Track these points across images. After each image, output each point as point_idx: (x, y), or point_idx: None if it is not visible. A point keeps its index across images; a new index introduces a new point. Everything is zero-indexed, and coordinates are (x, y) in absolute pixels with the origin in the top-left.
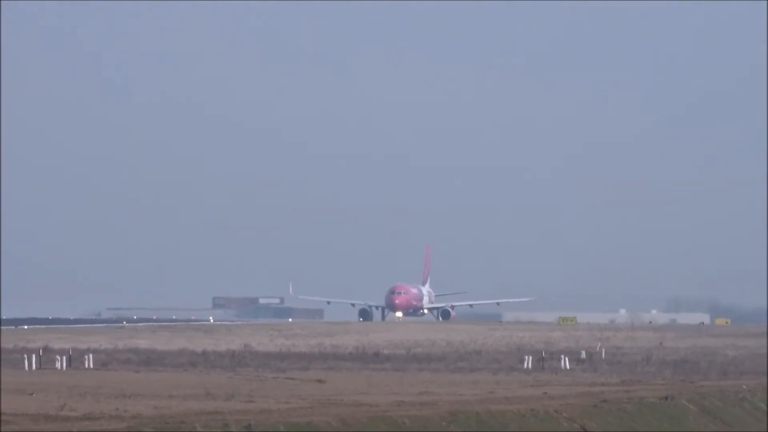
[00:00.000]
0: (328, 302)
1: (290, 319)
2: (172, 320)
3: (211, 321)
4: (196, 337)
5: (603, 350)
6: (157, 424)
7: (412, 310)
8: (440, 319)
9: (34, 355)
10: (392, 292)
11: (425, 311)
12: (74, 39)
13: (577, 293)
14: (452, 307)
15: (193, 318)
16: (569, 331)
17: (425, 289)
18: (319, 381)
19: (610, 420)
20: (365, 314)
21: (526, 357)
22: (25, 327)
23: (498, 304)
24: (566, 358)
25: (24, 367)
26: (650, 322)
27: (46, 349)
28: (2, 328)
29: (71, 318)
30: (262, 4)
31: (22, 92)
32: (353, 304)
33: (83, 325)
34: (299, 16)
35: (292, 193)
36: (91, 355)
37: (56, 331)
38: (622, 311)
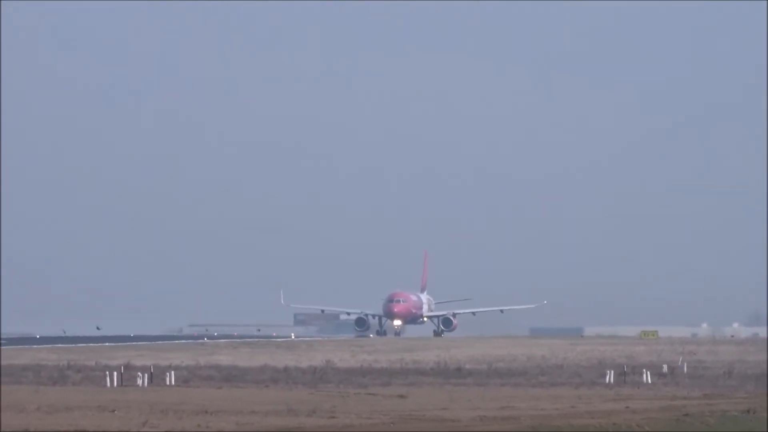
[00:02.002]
0: (323, 311)
1: (371, 335)
2: (253, 336)
3: (293, 337)
4: (277, 353)
5: (685, 364)
6: None
7: (412, 319)
8: (441, 327)
9: (115, 373)
10: (390, 300)
11: (425, 319)
12: (74, 39)
13: (658, 307)
14: (454, 315)
15: (274, 334)
16: (651, 345)
17: (424, 297)
18: (401, 396)
19: None
20: (362, 323)
21: (608, 371)
22: (107, 344)
23: (502, 311)
24: (648, 372)
25: (106, 385)
26: (732, 336)
27: (127, 367)
28: (83, 345)
29: (152, 335)
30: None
31: (22, 92)
32: (349, 313)
33: (164, 342)
34: (299, 17)
35: (281, 197)
36: (172, 372)
37: (137, 348)
38: (704, 325)
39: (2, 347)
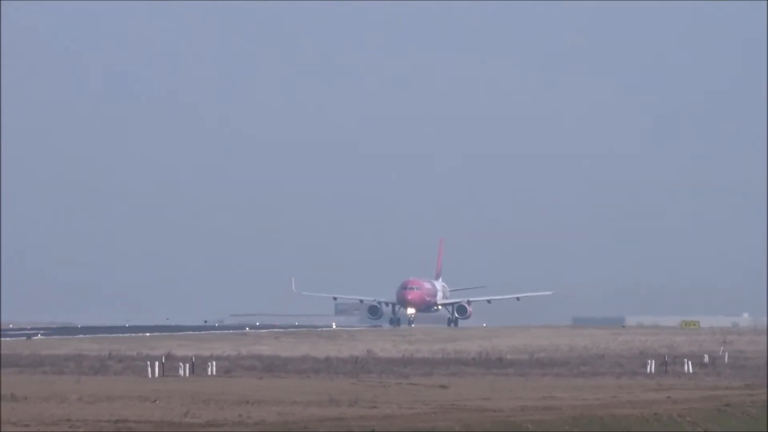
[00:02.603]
0: (335, 299)
1: (413, 325)
2: (295, 326)
3: (334, 327)
4: (319, 343)
5: (726, 354)
6: (281, 430)
7: (426, 307)
8: (456, 315)
9: (157, 363)
10: (404, 287)
11: (439, 307)
12: (75, 39)
13: (699, 296)
14: (469, 302)
15: (316, 324)
16: (692, 335)
17: (439, 284)
18: (443, 386)
19: (734, 424)
20: (374, 311)
21: (649, 361)
22: (148, 334)
23: (518, 299)
24: (689, 362)
25: (147, 375)
26: None
27: (169, 357)
28: (126, 335)
29: (194, 325)
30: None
31: (22, 93)
32: (362, 301)
33: (206, 332)
34: (297, 15)
35: (292, 187)
36: (214, 362)
37: (179, 338)
38: (745, 315)
39: (45, 337)
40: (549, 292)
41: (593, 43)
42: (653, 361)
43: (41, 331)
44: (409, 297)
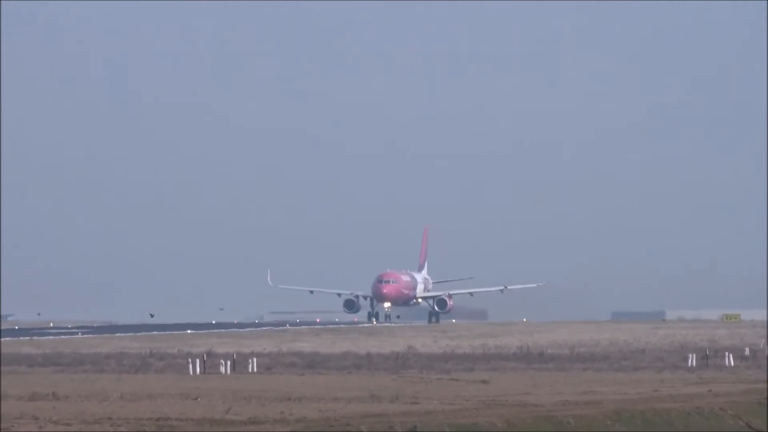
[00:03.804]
0: (311, 292)
1: (453, 320)
2: (335, 323)
3: (374, 323)
4: (359, 339)
5: (767, 347)
6: (322, 427)
7: (404, 301)
8: (436, 308)
9: (198, 360)
10: (379, 280)
11: (419, 301)
12: (74, 39)
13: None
14: (449, 296)
15: (356, 320)
16: (733, 328)
17: (420, 276)
18: (483, 382)
19: None
20: (351, 305)
21: (690, 355)
22: (189, 332)
23: (502, 291)
24: (730, 356)
25: (188, 372)
26: None
27: (209, 354)
28: (166, 333)
29: (234, 322)
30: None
31: (22, 93)
32: (339, 294)
33: (246, 329)
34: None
35: (283, 179)
36: (254, 359)
37: (220, 336)
38: None
39: (85, 336)
40: (534, 284)
41: (593, 42)
42: (694, 355)
43: (82, 330)
44: (385, 291)
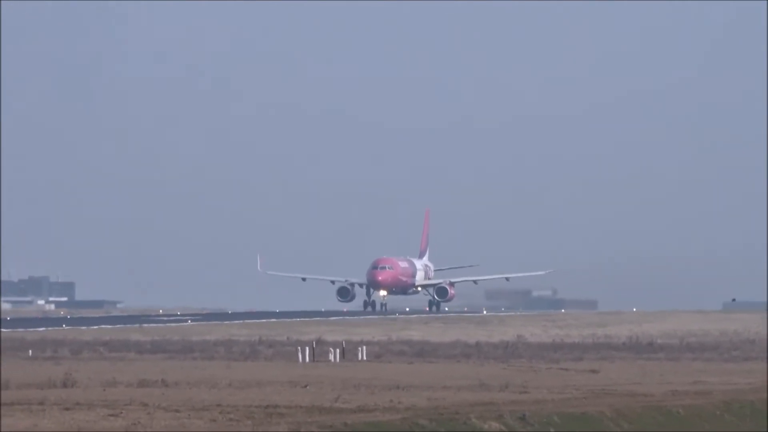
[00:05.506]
0: (303, 279)
1: (563, 310)
2: (444, 312)
3: (484, 312)
4: (469, 328)
5: None
6: (431, 415)
7: (401, 289)
8: (436, 297)
9: (307, 348)
10: (374, 267)
11: (418, 289)
12: (75, 38)
13: None
14: (451, 284)
15: (465, 310)
16: None
17: (420, 263)
18: (593, 371)
19: None
20: (345, 293)
21: None
22: (298, 319)
23: (507, 279)
24: None
25: (297, 360)
26: None
27: (319, 342)
28: (275, 321)
29: (344, 310)
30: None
31: (23, 92)
32: (333, 282)
33: (356, 318)
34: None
35: (272, 159)
36: (364, 347)
37: (329, 324)
38: None
39: (195, 323)
40: (544, 272)
41: (594, 42)
42: None
43: (191, 317)
44: (380, 278)
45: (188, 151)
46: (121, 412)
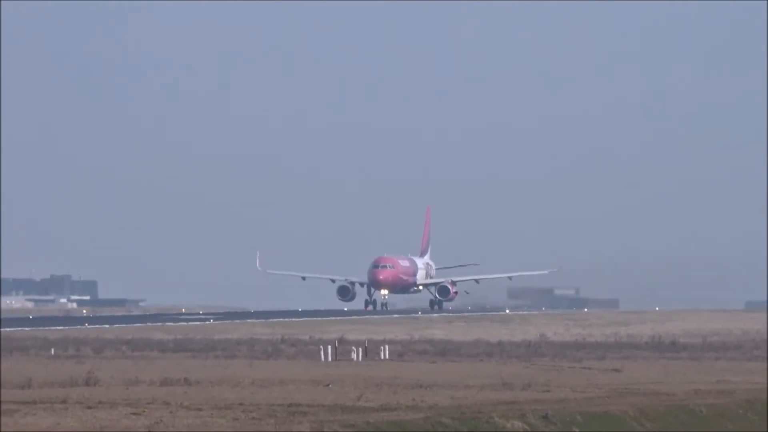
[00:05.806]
0: (303, 278)
1: (585, 309)
2: (467, 311)
3: (507, 312)
4: (491, 327)
5: None
6: (454, 414)
7: (402, 288)
8: (437, 296)
9: (330, 347)
10: (375, 265)
11: (420, 288)
12: (74, 38)
13: None
14: (453, 282)
15: (488, 308)
16: None
17: (422, 262)
18: (616, 370)
19: None
20: (345, 292)
21: None
22: (320, 318)
23: (510, 278)
24: None
25: (320, 359)
26: None
27: (341, 341)
28: (297, 320)
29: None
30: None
31: (22, 92)
32: (333, 280)
33: (378, 317)
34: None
35: (271, 162)
36: (386, 347)
37: (351, 323)
38: None
39: (217, 322)
40: (546, 271)
41: (594, 42)
42: None
43: (213, 316)
44: (381, 277)
45: (191, 151)
46: (144, 411)
